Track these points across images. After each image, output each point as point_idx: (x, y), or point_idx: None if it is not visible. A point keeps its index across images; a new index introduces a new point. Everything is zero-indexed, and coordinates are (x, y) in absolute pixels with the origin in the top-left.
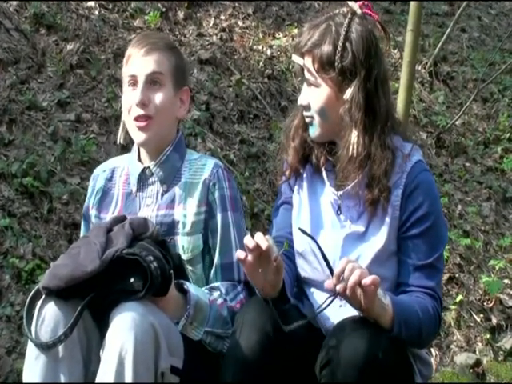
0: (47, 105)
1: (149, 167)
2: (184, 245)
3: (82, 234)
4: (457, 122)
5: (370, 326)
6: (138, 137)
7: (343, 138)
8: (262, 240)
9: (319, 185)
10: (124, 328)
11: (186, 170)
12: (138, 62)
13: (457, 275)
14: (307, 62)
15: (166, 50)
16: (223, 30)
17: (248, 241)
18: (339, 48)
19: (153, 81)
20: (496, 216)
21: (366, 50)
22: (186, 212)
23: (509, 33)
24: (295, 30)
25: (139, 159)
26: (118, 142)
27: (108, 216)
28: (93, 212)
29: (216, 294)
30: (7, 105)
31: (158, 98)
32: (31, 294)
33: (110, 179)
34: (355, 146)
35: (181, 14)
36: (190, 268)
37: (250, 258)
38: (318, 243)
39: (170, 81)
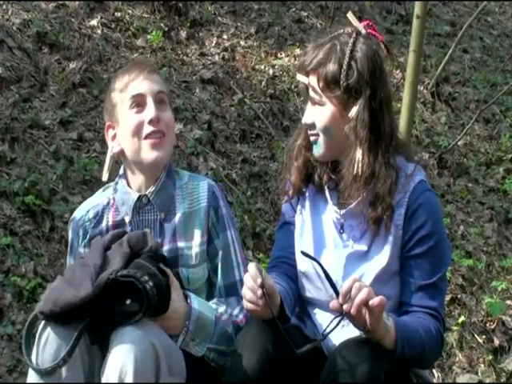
0: (49, 123)
1: (145, 195)
2: (190, 276)
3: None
4: (459, 143)
5: (372, 346)
6: (152, 155)
7: (347, 156)
8: (256, 276)
9: (322, 204)
10: (123, 350)
11: (179, 197)
12: (143, 83)
13: (459, 296)
14: (312, 80)
15: (159, 73)
16: (225, 49)
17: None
18: (344, 66)
19: (159, 100)
20: (498, 237)
21: (371, 68)
22: (191, 244)
23: (511, 54)
24: (297, 50)
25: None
26: (103, 179)
27: None
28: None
29: (222, 308)
30: (9, 123)
31: (167, 116)
32: (29, 318)
33: (95, 217)
34: (360, 165)
35: (183, 34)
36: None
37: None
38: (322, 265)
39: (169, 101)
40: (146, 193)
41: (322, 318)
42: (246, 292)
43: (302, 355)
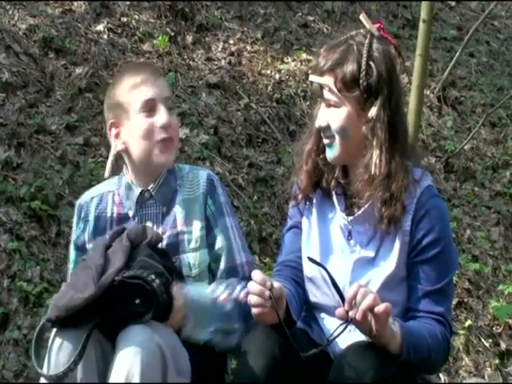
0: (56, 128)
1: (148, 190)
2: (190, 261)
3: (71, 265)
4: (465, 147)
5: (378, 351)
6: (163, 159)
7: (363, 157)
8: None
9: (329, 209)
10: (130, 352)
11: (180, 187)
12: (153, 87)
13: (465, 300)
14: (328, 81)
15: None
16: (232, 54)
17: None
18: (363, 66)
19: (168, 105)
20: (505, 241)
21: (388, 68)
22: (191, 228)
23: None
24: (304, 55)
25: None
26: (105, 176)
27: None
28: (90, 246)
29: (220, 289)
30: (16, 128)
31: (175, 121)
32: (38, 328)
33: (99, 205)
34: (378, 165)
35: (189, 39)
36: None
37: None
38: (329, 271)
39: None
40: (149, 188)
41: (329, 322)
42: (251, 298)
43: (307, 359)
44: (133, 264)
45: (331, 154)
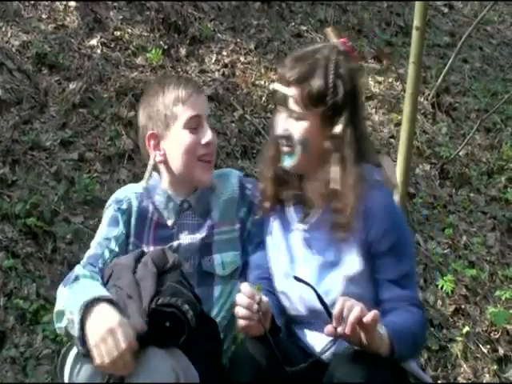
0: (50, 144)
1: (187, 200)
2: (224, 260)
3: (101, 234)
4: (460, 153)
5: (368, 356)
6: (205, 176)
7: (322, 170)
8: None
9: (288, 219)
10: (146, 375)
11: (215, 194)
12: (199, 103)
13: (463, 306)
14: (294, 93)
15: None
16: (225, 65)
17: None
18: (331, 84)
19: (209, 122)
20: (501, 246)
21: (354, 85)
22: (224, 229)
23: (511, 63)
24: None
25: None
26: (143, 184)
27: (143, 247)
28: (132, 240)
29: None
30: (10, 145)
31: (215, 138)
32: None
33: (141, 203)
34: (337, 181)
35: (183, 51)
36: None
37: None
38: (315, 288)
39: None
40: (188, 199)
41: (312, 338)
42: (239, 310)
43: (293, 373)
44: (161, 290)
45: (289, 162)
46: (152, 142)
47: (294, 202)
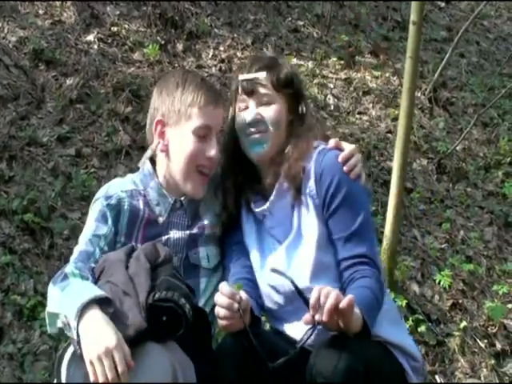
0: (47, 140)
1: (180, 200)
2: (209, 253)
3: (91, 231)
4: (457, 148)
5: (348, 341)
6: (198, 191)
7: (281, 151)
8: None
9: (251, 218)
10: (144, 369)
11: (203, 202)
12: (213, 114)
13: (460, 301)
14: (265, 76)
15: None
16: (222, 61)
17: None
18: (294, 73)
19: (218, 137)
20: (498, 241)
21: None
22: (209, 224)
23: (508, 57)
24: (294, 60)
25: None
26: (139, 165)
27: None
28: (121, 239)
29: None
30: (7, 141)
31: (218, 155)
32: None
33: (132, 201)
34: (291, 158)
35: (180, 46)
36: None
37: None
38: (293, 280)
39: None
40: (181, 199)
41: (292, 327)
42: (219, 310)
43: (275, 368)
44: (156, 284)
45: (261, 149)
46: (159, 128)
47: (255, 200)
